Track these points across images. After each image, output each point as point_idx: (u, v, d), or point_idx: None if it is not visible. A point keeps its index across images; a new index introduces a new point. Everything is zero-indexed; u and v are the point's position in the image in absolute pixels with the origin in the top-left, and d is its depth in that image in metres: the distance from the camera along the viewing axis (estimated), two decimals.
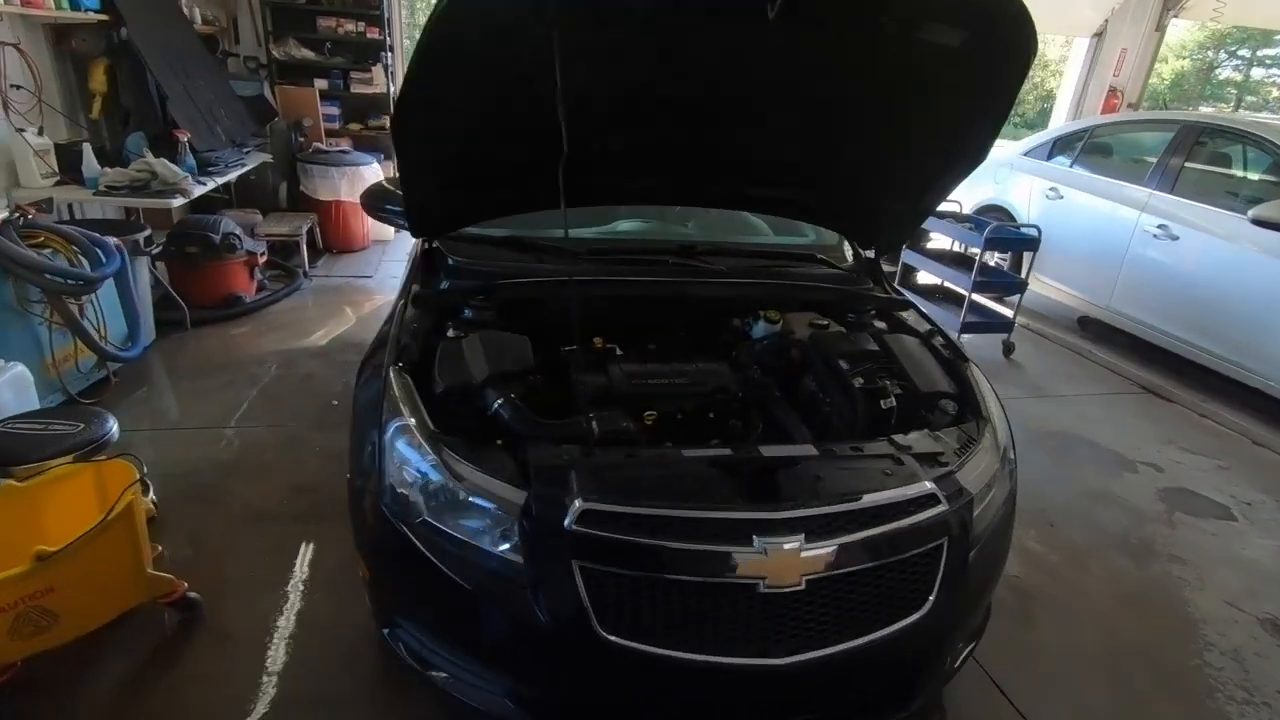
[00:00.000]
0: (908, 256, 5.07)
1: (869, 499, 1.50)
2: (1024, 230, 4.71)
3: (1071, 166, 5.17)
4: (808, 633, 1.44)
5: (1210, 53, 35.10)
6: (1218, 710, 2.09)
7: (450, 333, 1.95)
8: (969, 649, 1.84)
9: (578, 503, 1.40)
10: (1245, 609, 2.54)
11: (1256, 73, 34.06)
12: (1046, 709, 2.04)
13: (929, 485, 1.56)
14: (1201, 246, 4.12)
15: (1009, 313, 4.74)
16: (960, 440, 1.81)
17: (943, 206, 5.20)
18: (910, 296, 5.14)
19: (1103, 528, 2.95)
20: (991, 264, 5.65)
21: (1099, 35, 8.02)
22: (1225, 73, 34.58)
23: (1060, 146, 5.34)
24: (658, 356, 2.04)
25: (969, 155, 2.00)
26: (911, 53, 1.68)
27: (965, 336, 4.72)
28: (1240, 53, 33.32)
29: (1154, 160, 4.58)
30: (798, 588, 1.41)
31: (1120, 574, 2.68)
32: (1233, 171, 4.31)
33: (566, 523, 1.39)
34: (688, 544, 1.39)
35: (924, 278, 5.19)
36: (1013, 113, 1.92)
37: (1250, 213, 3.75)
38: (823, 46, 1.66)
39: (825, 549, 1.43)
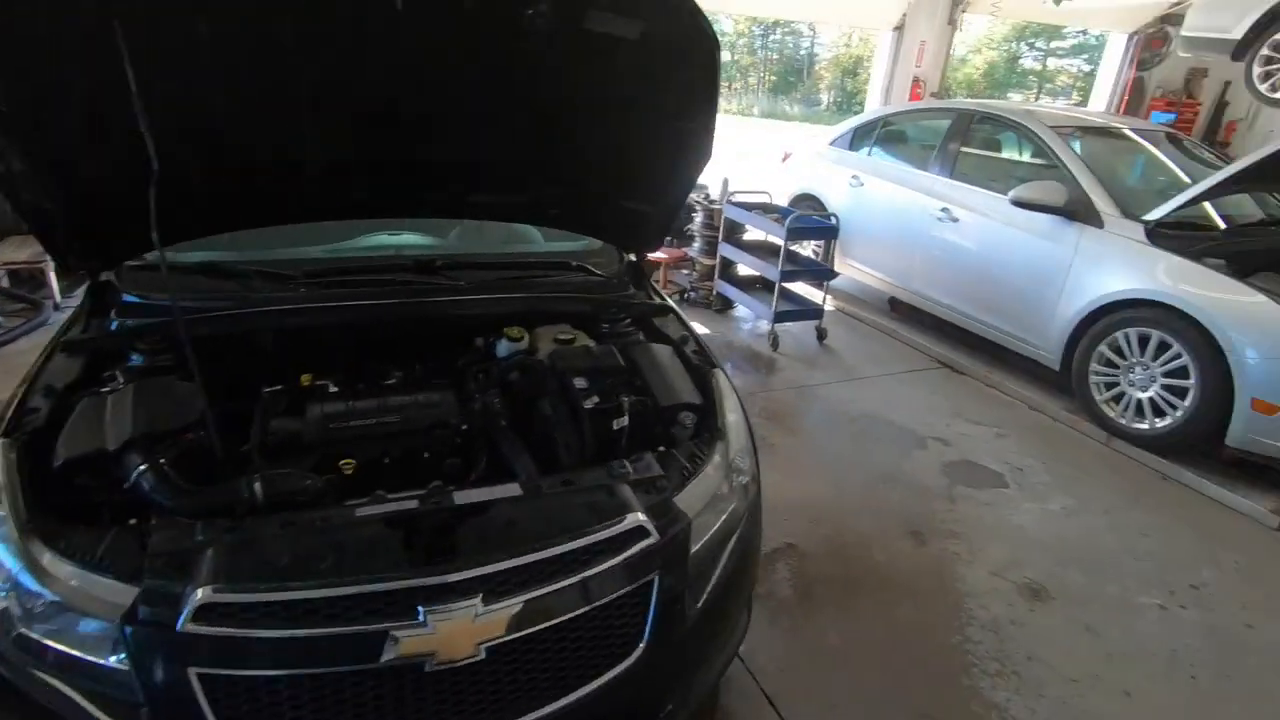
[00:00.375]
0: (725, 250, 5.10)
1: (560, 544, 1.35)
2: (823, 219, 4.84)
3: (869, 154, 5.39)
4: (494, 707, 1.27)
5: (1013, 45, 38.92)
6: (971, 688, 2.14)
7: (109, 386, 1.63)
8: (715, 676, 1.75)
9: (197, 595, 1.14)
10: (1008, 577, 2.67)
11: (1053, 63, 38.03)
12: (810, 712, 2.02)
13: (639, 517, 1.44)
14: (977, 227, 4.39)
15: (821, 299, 4.87)
16: (691, 457, 1.72)
17: (751, 198, 5.32)
18: (729, 290, 5.38)
19: (890, 510, 3.03)
20: (807, 253, 5.84)
21: (899, 29, 8.52)
22: (1027, 63, 38.54)
23: (859, 136, 5.56)
24: (376, 391, 1.81)
25: (693, 150, 1.90)
26: (594, 46, 1.54)
27: (780, 325, 4.82)
28: (1038, 45, 37.29)
29: (936, 147, 4.84)
30: (476, 659, 1.24)
31: (902, 557, 2.74)
32: (1001, 155, 4.63)
33: (180, 623, 1.13)
34: (334, 629, 1.17)
35: (744, 270, 5.24)
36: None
37: (1009, 194, 4.02)
38: (476, 39, 1.49)
39: (507, 609, 1.26)
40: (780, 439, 3.57)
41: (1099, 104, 10.63)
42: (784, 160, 6.34)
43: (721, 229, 5.12)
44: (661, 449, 1.74)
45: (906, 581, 2.61)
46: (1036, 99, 32.88)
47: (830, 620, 2.38)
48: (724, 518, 1.68)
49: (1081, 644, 2.37)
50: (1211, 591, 2.67)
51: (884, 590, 2.55)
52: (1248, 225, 3.96)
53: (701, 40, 1.55)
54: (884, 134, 5.42)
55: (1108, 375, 3.71)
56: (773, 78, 46.61)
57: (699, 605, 1.55)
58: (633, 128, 1.86)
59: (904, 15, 8.42)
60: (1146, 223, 3.57)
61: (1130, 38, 10.00)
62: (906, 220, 4.91)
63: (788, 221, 4.43)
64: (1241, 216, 4.20)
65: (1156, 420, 3.50)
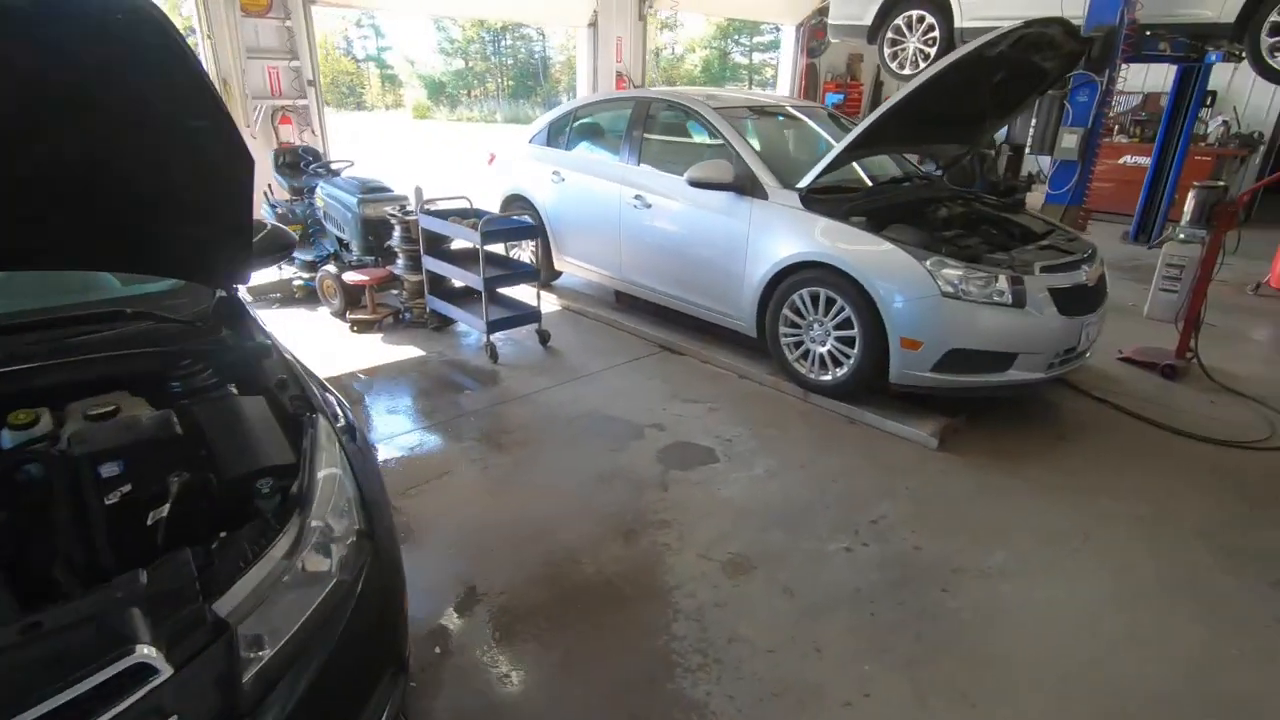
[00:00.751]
0: (429, 263, 4.72)
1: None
2: (520, 220, 4.67)
3: (566, 149, 5.32)
4: None
5: (722, 42, 42.69)
6: (675, 691, 2.05)
7: None
8: None
9: None
10: (714, 556, 2.65)
11: (758, 56, 42.29)
12: None
13: (143, 651, 1.06)
14: (668, 211, 4.49)
15: (537, 301, 4.69)
16: (262, 535, 1.36)
17: (452, 204, 5.00)
18: (442, 305, 5.03)
19: (605, 512, 2.90)
20: (526, 256, 5.65)
21: (593, 25, 8.70)
22: (737, 58, 42.56)
23: (555, 131, 5.48)
24: None
25: (216, 153, 1.52)
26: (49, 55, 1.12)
27: (499, 335, 4.57)
28: (742, 41, 41.33)
29: (623, 136, 4.88)
30: None
31: (612, 562, 2.61)
32: (680, 140, 4.78)
33: None
34: None
35: (458, 281, 4.90)
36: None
37: (685, 175, 4.14)
38: None
39: None
40: (495, 458, 3.31)
41: (784, 90, 11.87)
42: (490, 162, 6.08)
43: (421, 241, 4.73)
44: (223, 534, 1.37)
45: (617, 589, 2.47)
46: (749, 88, 36.50)
47: (534, 657, 2.16)
48: (318, 600, 1.35)
49: (780, 608, 2.40)
50: (890, 522, 2.89)
51: (593, 605, 2.39)
52: (884, 183, 4.46)
53: (142, 17, 1.19)
54: (576, 127, 5.38)
55: (794, 335, 3.96)
56: (510, 83, 46.58)
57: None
58: (130, 135, 1.44)
59: (595, 12, 8.60)
60: (800, 190, 3.83)
61: (798, 28, 11.25)
62: (606, 211, 4.90)
63: (480, 226, 4.17)
64: (885, 176, 4.77)
65: (836, 370, 3.79)
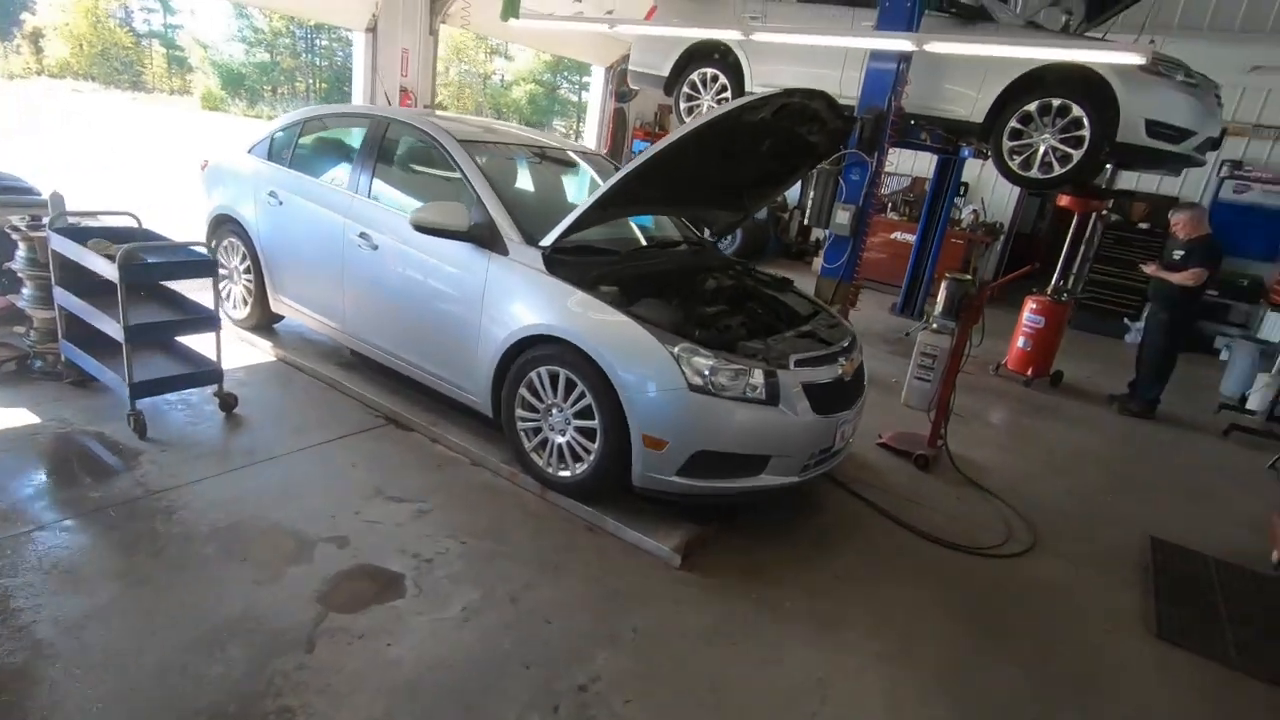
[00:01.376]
0: (61, 297, 3.49)
1: None
2: (194, 252, 3.61)
3: (289, 166, 4.34)
4: None
5: (552, 76, 42.75)
6: None
7: None
8: None
9: None
10: None
11: (587, 96, 42.79)
12: None
13: None
14: (397, 256, 3.70)
15: (217, 357, 3.63)
16: None
17: (117, 220, 3.82)
18: (79, 355, 3.62)
19: (193, 707, 1.99)
20: (238, 292, 4.53)
21: (372, 31, 7.73)
22: (570, 95, 42.76)
23: (279, 143, 4.47)
24: None
25: None
26: None
27: (154, 399, 3.45)
28: (572, 78, 41.65)
29: (354, 159, 4.02)
30: None
31: None
32: (420, 171, 4.02)
33: None
34: None
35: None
36: None
37: (409, 217, 3.38)
38: None
39: None
40: (60, 607, 2.25)
41: (591, 134, 11.60)
42: (202, 169, 4.89)
43: (52, 268, 3.50)
44: None
45: None
46: (577, 126, 36.63)
47: None
48: None
49: None
50: (601, 688, 2.27)
51: None
52: (648, 247, 4.01)
53: None
54: (304, 143, 4.42)
55: (531, 420, 3.31)
56: (325, 85, 43.10)
57: None
58: None
59: (374, 17, 7.63)
60: (543, 249, 3.23)
61: (607, 71, 11.05)
62: (329, 248, 3.99)
63: (120, 257, 3.09)
64: (664, 236, 4.35)
65: (577, 466, 3.19)
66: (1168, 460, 5.27)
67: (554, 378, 3.16)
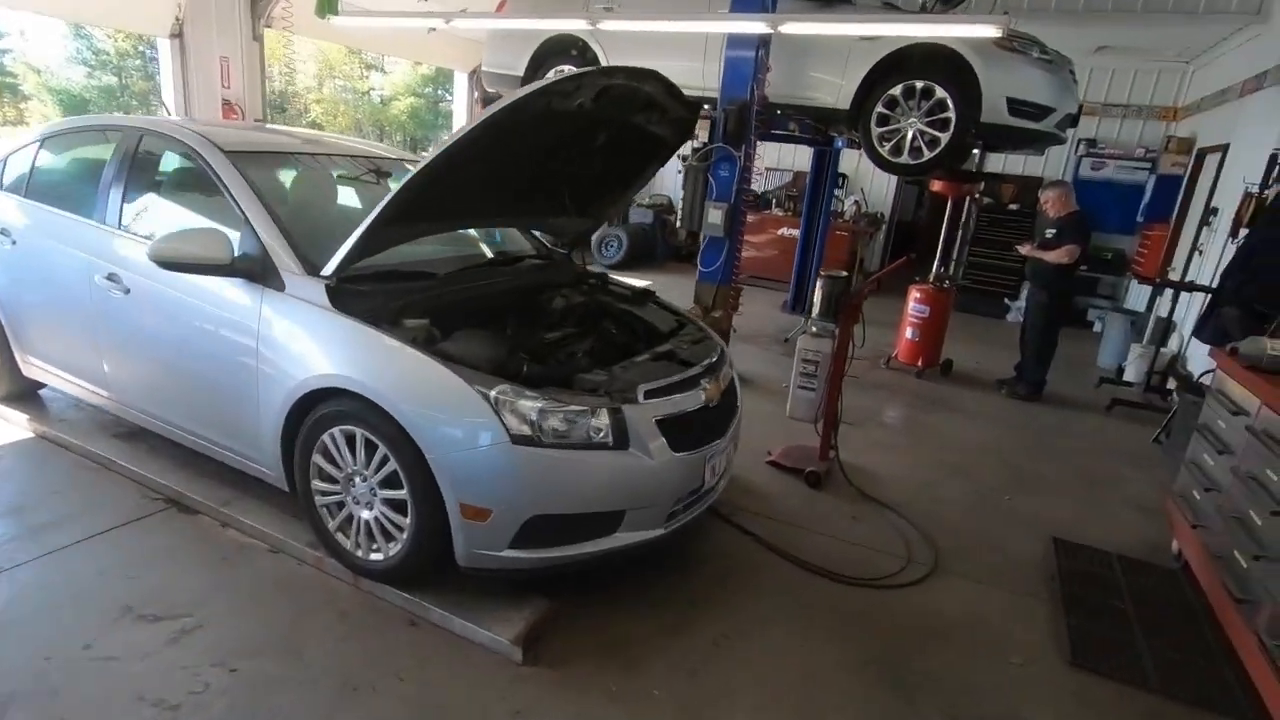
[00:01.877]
0: None
1: None
2: None
3: (26, 196, 3.48)
4: None
5: (431, 89, 41.29)
6: None
7: None
8: None
9: None
10: None
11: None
12: None
13: None
14: (151, 299, 2.96)
15: None
16: None
17: None
18: None
19: None
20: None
21: (178, 37, 6.76)
22: (447, 106, 41.27)
23: (13, 169, 3.60)
24: None
25: None
26: None
27: None
28: (450, 91, 40.29)
29: (100, 183, 3.23)
30: None
31: None
32: (185, 194, 3.27)
33: None
34: None
35: None
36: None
37: (149, 250, 2.66)
38: None
39: None
40: None
41: None
42: None
43: None
44: None
45: None
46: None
47: None
48: None
49: None
50: None
51: None
52: (478, 266, 3.42)
53: None
54: (45, 165, 3.57)
55: (332, 493, 2.65)
56: None
57: None
58: None
59: (179, 21, 6.67)
60: (327, 280, 2.58)
61: (470, 77, 10.37)
62: (75, 295, 3.19)
63: None
64: (501, 251, 3.78)
65: (390, 546, 2.56)
66: (1059, 445, 5.15)
67: (351, 439, 2.53)
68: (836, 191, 10.06)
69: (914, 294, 6.35)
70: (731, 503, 3.58)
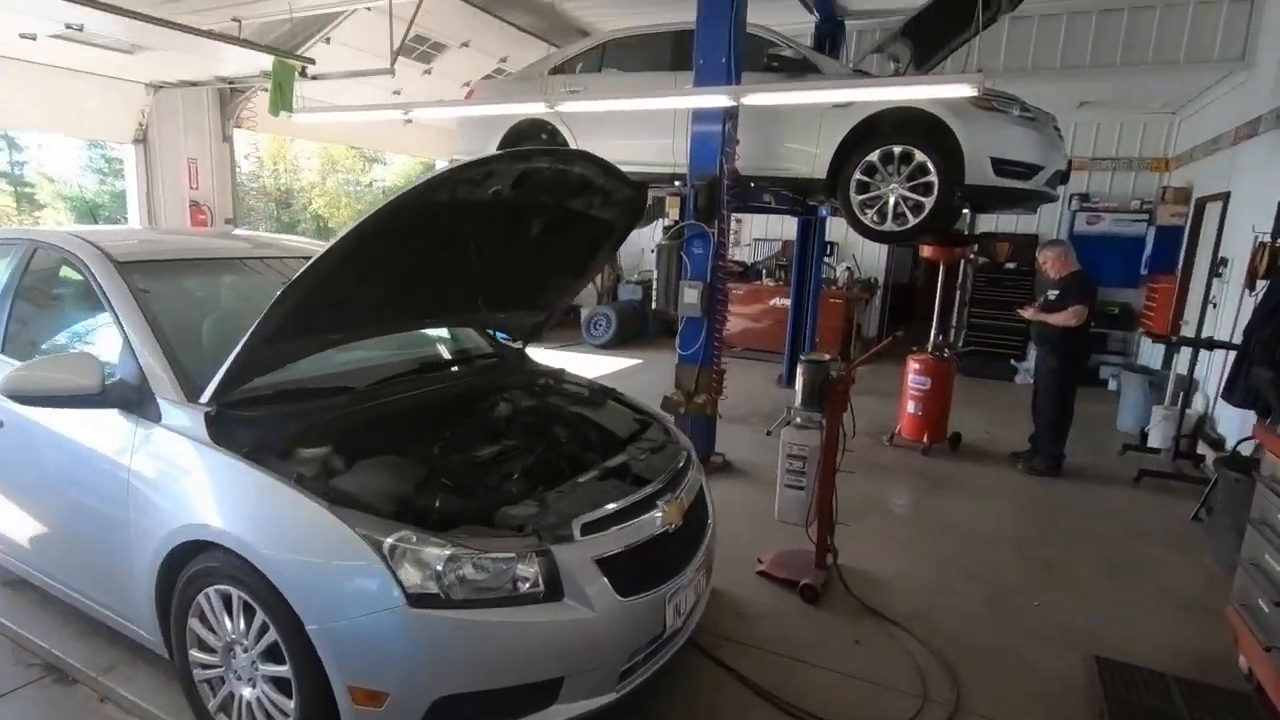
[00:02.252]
0: None
1: None
2: None
3: None
4: None
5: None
6: None
7: None
8: None
9: None
10: None
11: None
12: None
13: None
14: (23, 433, 2.58)
15: None
16: None
17: None
18: None
19: None
20: None
21: (141, 142, 6.68)
22: None
23: None
24: None
25: None
26: None
27: None
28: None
29: None
30: None
31: None
32: (79, 310, 2.93)
33: None
34: None
35: None
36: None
37: (2, 382, 2.30)
38: None
39: None
40: None
41: None
42: None
43: None
44: None
45: None
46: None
47: None
48: None
49: None
50: None
51: None
52: (404, 375, 3.02)
53: None
54: None
55: (211, 665, 2.19)
56: None
57: None
58: None
59: (142, 127, 6.61)
60: (206, 408, 2.20)
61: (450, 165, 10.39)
62: None
63: None
64: (434, 356, 3.42)
65: None
66: (1086, 528, 4.61)
67: (228, 601, 2.09)
68: (827, 259, 9.83)
69: (912, 365, 5.93)
70: (714, 629, 3.07)
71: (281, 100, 5.38)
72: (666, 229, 5.13)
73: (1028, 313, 5.56)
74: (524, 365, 3.47)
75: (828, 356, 3.48)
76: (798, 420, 3.51)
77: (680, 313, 5.11)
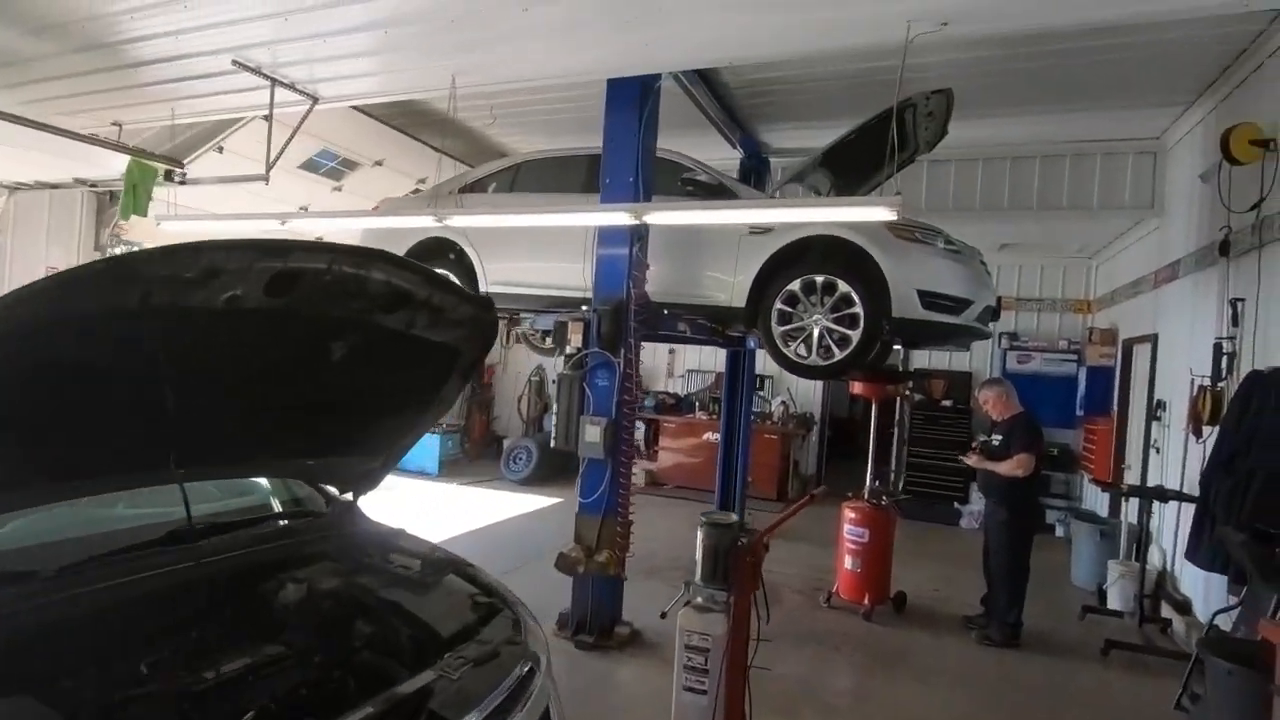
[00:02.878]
0: None
1: None
2: None
3: None
4: None
5: None
6: None
7: None
8: None
9: None
10: None
11: None
12: None
13: None
14: None
15: None
16: None
17: None
18: None
19: None
20: None
21: None
22: None
23: None
24: None
25: None
26: None
27: None
28: None
29: None
30: None
31: None
32: None
33: None
34: None
35: None
36: None
37: None
38: None
39: None
40: None
41: None
42: None
43: None
44: None
45: None
46: None
47: None
48: None
49: None
50: None
51: None
52: (138, 546, 2.18)
53: None
54: None
55: None
56: None
57: None
58: None
59: None
60: None
61: None
62: None
63: None
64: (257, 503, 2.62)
65: None
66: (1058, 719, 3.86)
67: None
68: (760, 393, 9.42)
69: (848, 514, 5.29)
70: None
71: (135, 204, 4.79)
72: (567, 358, 4.55)
73: (971, 460, 5.06)
74: (348, 526, 2.69)
75: (733, 518, 2.81)
76: (698, 600, 2.77)
77: (580, 453, 4.43)
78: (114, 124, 5.71)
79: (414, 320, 2.16)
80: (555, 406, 4.65)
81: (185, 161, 5.66)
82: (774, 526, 2.85)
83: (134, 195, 4.77)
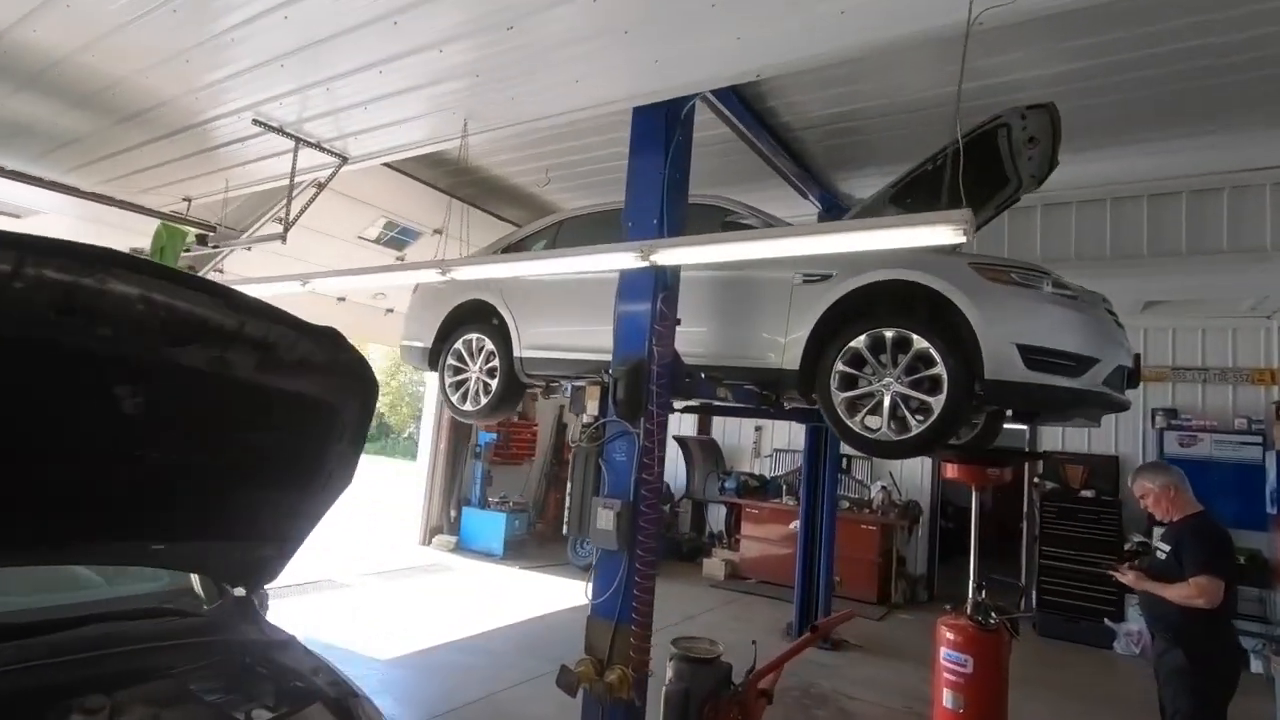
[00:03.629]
0: None
1: None
2: None
3: None
4: None
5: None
6: None
7: None
8: None
9: None
10: None
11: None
12: None
13: None
14: None
15: None
16: None
17: None
18: None
19: None
20: None
21: None
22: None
23: None
24: None
25: None
26: None
27: None
28: None
29: None
30: None
31: None
32: None
33: None
34: None
35: None
36: None
37: None
38: None
39: None
40: None
41: (427, 429, 9.98)
42: None
43: None
44: None
45: None
46: None
47: None
48: None
49: None
50: None
51: None
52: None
53: None
54: None
55: None
56: None
57: None
58: None
59: None
60: None
61: None
62: None
63: None
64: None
65: None
66: None
67: None
68: (856, 478, 8.30)
69: (945, 635, 4.13)
70: None
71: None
72: (584, 427, 3.91)
73: (1128, 578, 3.78)
74: (221, 632, 2.11)
75: (719, 650, 1.98)
76: None
77: (593, 542, 3.70)
78: (184, 199, 5.95)
79: (230, 360, 1.61)
80: (569, 486, 3.98)
81: (241, 229, 5.75)
82: (775, 666, 1.98)
83: (160, 258, 4.80)
